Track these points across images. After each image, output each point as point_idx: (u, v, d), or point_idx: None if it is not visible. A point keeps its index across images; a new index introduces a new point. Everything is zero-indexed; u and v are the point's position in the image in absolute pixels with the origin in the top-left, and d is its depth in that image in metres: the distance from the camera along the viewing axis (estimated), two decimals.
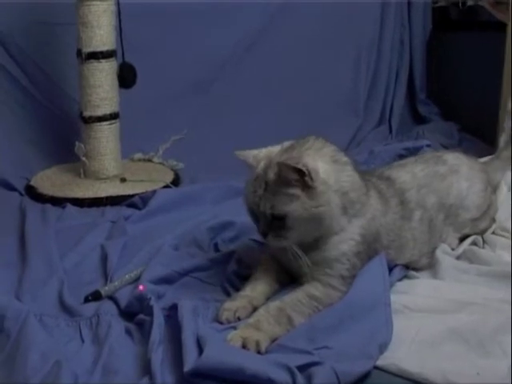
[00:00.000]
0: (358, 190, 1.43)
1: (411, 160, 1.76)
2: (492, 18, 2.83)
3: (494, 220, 1.74)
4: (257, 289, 1.44)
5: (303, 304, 1.35)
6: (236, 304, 1.39)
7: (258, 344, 1.25)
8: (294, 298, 1.37)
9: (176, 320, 1.30)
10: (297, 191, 1.34)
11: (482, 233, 1.71)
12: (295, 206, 1.34)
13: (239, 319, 1.36)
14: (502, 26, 2.62)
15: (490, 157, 2.15)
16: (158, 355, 1.21)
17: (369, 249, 1.45)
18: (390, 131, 3.04)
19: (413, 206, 1.58)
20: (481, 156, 2.19)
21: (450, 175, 1.68)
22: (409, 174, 1.63)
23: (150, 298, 1.37)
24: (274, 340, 1.28)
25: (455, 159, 1.74)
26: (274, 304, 1.35)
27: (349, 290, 1.37)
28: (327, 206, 1.36)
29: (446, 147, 2.71)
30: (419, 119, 3.19)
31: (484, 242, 1.70)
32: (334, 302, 1.36)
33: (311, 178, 1.33)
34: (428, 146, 2.29)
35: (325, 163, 1.39)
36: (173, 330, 1.29)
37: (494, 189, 1.82)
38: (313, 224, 1.37)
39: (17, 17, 2.53)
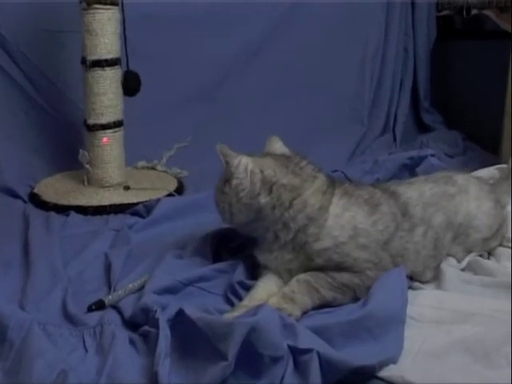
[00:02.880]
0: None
1: (421, 179, 1.77)
2: (496, 27, 2.85)
3: (504, 238, 1.73)
4: (255, 298, 1.46)
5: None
6: (234, 314, 1.40)
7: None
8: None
9: (182, 325, 1.30)
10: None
11: (491, 250, 1.71)
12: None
13: None
14: (506, 35, 2.63)
15: (496, 167, 2.15)
16: (165, 368, 1.20)
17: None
18: (394, 139, 3.03)
19: (416, 221, 1.58)
20: (485, 165, 2.20)
21: (458, 195, 1.67)
22: (416, 192, 1.64)
23: (156, 311, 1.36)
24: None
25: (465, 180, 1.74)
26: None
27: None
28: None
29: (450, 156, 2.72)
30: (423, 128, 3.19)
31: (489, 254, 1.70)
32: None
33: (231, 171, 1.50)
34: (432, 155, 2.28)
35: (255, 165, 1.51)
36: (179, 342, 1.28)
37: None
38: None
39: (22, 24, 2.54)
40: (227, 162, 1.51)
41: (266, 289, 1.49)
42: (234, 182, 1.51)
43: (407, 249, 1.55)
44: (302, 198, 1.48)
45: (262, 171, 1.50)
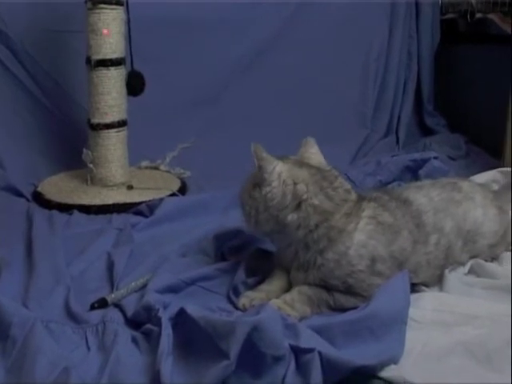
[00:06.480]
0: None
1: (427, 183, 1.75)
2: (500, 31, 2.84)
3: (509, 244, 1.73)
4: (273, 284, 1.51)
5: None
6: (254, 294, 1.47)
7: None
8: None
9: (184, 324, 1.30)
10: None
11: (497, 257, 1.70)
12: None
13: (253, 307, 1.42)
14: (510, 39, 2.63)
15: (499, 170, 2.15)
16: (168, 366, 1.20)
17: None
18: (397, 142, 3.03)
19: (429, 230, 1.56)
20: (487, 168, 2.20)
21: (465, 201, 1.66)
22: (426, 197, 1.62)
23: (158, 309, 1.36)
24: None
25: (470, 187, 1.73)
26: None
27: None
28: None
29: (452, 159, 2.72)
30: (426, 131, 3.19)
31: (493, 258, 1.69)
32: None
33: (264, 177, 1.45)
34: (435, 158, 2.28)
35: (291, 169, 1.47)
36: (181, 341, 1.29)
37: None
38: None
39: (27, 24, 2.55)
40: (260, 166, 1.45)
41: (284, 278, 1.51)
42: (266, 189, 1.45)
43: (420, 262, 1.53)
44: (328, 223, 1.44)
45: (294, 183, 1.45)
